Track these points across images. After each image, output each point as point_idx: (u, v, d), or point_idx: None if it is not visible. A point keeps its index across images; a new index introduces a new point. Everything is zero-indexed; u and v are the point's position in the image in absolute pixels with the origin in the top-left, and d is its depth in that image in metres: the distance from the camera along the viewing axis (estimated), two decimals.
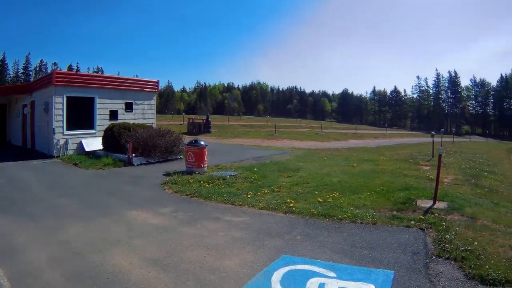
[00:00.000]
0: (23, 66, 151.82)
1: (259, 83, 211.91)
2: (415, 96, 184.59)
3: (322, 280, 6.49)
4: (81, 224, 9.49)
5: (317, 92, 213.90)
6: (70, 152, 22.90)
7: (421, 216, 10.17)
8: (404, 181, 15.45)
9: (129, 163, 19.30)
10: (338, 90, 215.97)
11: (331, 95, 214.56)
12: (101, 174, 17.15)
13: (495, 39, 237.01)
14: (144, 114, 27.52)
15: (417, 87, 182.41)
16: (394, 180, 15.78)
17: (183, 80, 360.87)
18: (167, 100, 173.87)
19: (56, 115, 22.53)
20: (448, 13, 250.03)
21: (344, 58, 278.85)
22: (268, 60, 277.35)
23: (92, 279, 6.34)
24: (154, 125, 26.48)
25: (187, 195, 12.96)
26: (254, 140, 42.18)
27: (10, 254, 7.46)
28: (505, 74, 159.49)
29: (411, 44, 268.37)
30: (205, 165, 17.47)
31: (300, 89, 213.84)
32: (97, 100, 24.47)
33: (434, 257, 7.50)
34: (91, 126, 24.32)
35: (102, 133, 23.11)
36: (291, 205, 11.36)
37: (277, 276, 6.58)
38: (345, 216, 10.24)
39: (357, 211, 10.76)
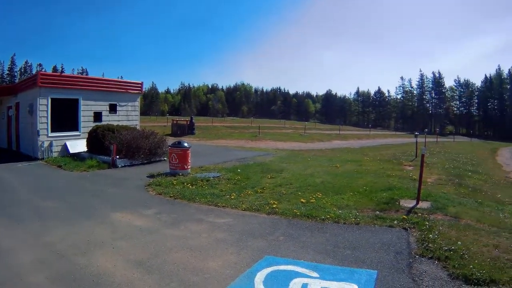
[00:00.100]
0: (8, 67, 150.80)
1: (243, 84, 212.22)
2: (399, 96, 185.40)
3: (305, 280, 6.54)
4: (65, 226, 9.47)
5: (301, 93, 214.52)
6: (55, 154, 22.79)
7: (404, 216, 10.26)
8: (387, 181, 15.56)
9: (113, 165, 19.26)
10: (322, 91, 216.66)
11: (314, 96, 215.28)
12: (86, 176, 17.08)
13: (479, 40, 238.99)
14: (128, 115, 27.42)
15: (401, 88, 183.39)
16: (377, 180, 15.89)
17: (168, 82, 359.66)
18: (151, 102, 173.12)
19: (41, 117, 22.37)
20: (432, 14, 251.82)
21: (327, 59, 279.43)
22: (252, 61, 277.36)
23: (77, 282, 6.35)
24: (138, 127, 26.44)
25: (170, 196, 12.98)
26: (238, 141, 42.18)
27: None
28: (490, 74, 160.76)
29: (395, 45, 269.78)
30: (189, 167, 17.52)
31: (284, 90, 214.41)
32: (82, 102, 24.30)
33: (417, 256, 7.57)
34: (76, 128, 24.19)
35: (86, 135, 22.96)
36: (274, 206, 11.42)
37: (260, 276, 6.62)
38: (328, 216, 10.31)
39: (340, 211, 10.84)
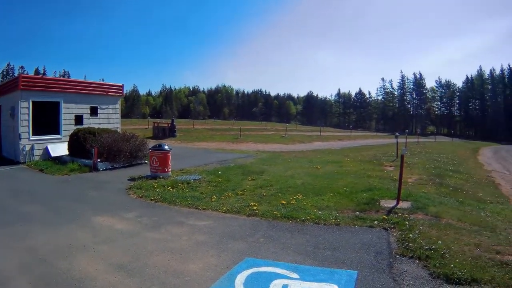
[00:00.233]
0: None
1: (224, 86, 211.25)
2: (380, 98, 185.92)
3: (285, 281, 6.60)
4: (47, 230, 9.47)
5: (282, 95, 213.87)
6: (36, 158, 22.60)
7: (385, 216, 10.39)
8: (367, 182, 15.73)
9: (94, 168, 19.19)
10: (303, 93, 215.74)
11: (296, 97, 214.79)
12: (67, 180, 17.02)
13: (460, 41, 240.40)
14: (109, 118, 27.29)
15: (382, 89, 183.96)
16: (358, 181, 16.03)
17: (149, 84, 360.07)
18: (132, 104, 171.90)
19: (22, 120, 22.17)
20: (413, 15, 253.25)
21: (309, 61, 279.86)
22: (233, 63, 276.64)
23: (59, 286, 6.39)
24: (119, 130, 26.30)
25: (151, 199, 13.02)
26: (219, 144, 42.04)
27: None
28: (471, 75, 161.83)
29: (376, 46, 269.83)
30: (170, 170, 17.55)
31: (265, 92, 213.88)
32: (63, 105, 24.13)
33: (397, 256, 7.66)
34: (57, 131, 23.99)
35: (67, 138, 22.81)
36: (255, 208, 11.51)
37: (240, 278, 6.67)
38: (308, 217, 10.41)
39: (320, 212, 10.96)
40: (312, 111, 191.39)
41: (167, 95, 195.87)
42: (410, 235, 8.70)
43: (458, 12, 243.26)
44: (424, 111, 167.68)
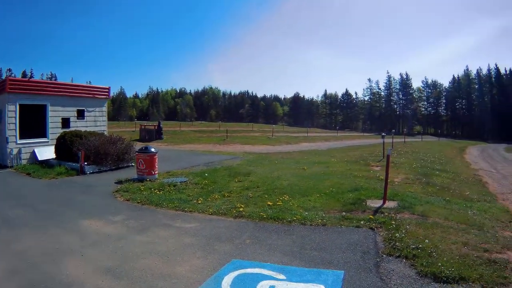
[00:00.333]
0: None
1: (211, 88, 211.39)
2: (366, 98, 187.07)
3: (272, 282, 6.63)
4: (35, 234, 9.45)
5: (268, 96, 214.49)
6: (24, 162, 22.46)
7: (371, 216, 10.43)
8: (354, 182, 15.76)
9: (81, 171, 19.16)
10: (289, 94, 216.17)
11: (282, 99, 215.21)
12: (54, 184, 16.96)
13: (447, 42, 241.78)
14: (96, 121, 27.18)
15: (369, 90, 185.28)
16: (344, 181, 16.03)
17: (136, 86, 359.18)
18: (119, 107, 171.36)
19: (9, 123, 22.03)
20: (399, 16, 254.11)
21: (296, 62, 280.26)
22: (220, 64, 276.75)
23: None
24: (106, 133, 26.22)
25: (138, 202, 13.03)
26: (206, 146, 42.02)
27: None
28: (458, 75, 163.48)
29: (362, 47, 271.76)
30: (156, 172, 17.55)
31: (252, 94, 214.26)
32: (50, 108, 24.00)
33: (384, 255, 7.70)
34: (44, 135, 23.86)
35: (55, 142, 22.67)
36: (241, 209, 11.54)
37: (227, 280, 6.70)
38: (295, 218, 10.44)
39: (307, 213, 10.98)
40: (299, 112, 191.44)
41: (154, 97, 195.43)
42: (397, 234, 8.73)
43: (445, 13, 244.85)
44: (410, 111, 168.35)
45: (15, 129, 22.31)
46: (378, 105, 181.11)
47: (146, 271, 7.16)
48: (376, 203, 11.92)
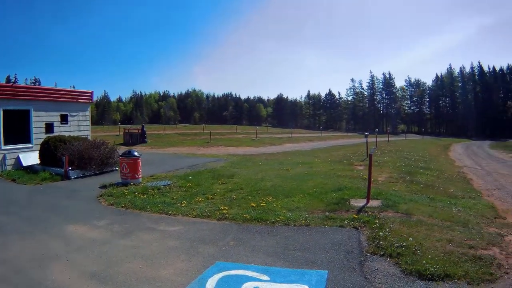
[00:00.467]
0: None
1: (194, 90, 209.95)
2: (349, 98, 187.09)
3: (256, 284, 6.69)
4: (20, 240, 9.44)
5: (252, 98, 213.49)
6: (8, 168, 22.24)
7: (355, 215, 10.50)
8: (337, 182, 15.93)
9: (66, 176, 19.08)
10: (273, 95, 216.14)
11: (266, 100, 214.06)
12: (39, 189, 16.86)
13: (429, 40, 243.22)
14: (80, 126, 27.07)
15: (352, 90, 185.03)
16: (328, 181, 16.20)
17: (120, 90, 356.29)
18: (103, 111, 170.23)
19: None
20: (382, 15, 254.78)
21: (278, 63, 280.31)
22: (203, 66, 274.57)
23: None
24: (89, 137, 26.07)
25: (122, 206, 13.02)
26: (190, 148, 41.91)
27: None
28: (441, 73, 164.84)
29: (345, 47, 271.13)
30: (140, 176, 17.56)
31: (236, 96, 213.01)
32: (33, 113, 23.79)
33: (368, 254, 7.80)
34: (28, 140, 23.65)
35: (39, 147, 22.49)
36: (225, 211, 11.60)
37: (211, 282, 6.74)
38: (278, 219, 10.51)
39: (290, 214, 11.06)
40: (283, 113, 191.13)
41: (138, 101, 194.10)
42: (381, 233, 8.83)
43: (427, 12, 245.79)
44: (394, 110, 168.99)
45: (0, 135, 22.10)
46: (361, 104, 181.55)
47: (130, 275, 7.18)
48: (359, 203, 12.03)
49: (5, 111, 22.28)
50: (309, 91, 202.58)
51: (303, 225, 10.07)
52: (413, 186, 16.35)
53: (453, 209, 11.73)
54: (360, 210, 11.22)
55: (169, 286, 6.76)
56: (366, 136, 32.99)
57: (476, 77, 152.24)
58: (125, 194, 14.85)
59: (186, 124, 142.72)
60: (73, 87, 44.47)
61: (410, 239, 8.25)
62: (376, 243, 8.33)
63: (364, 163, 22.93)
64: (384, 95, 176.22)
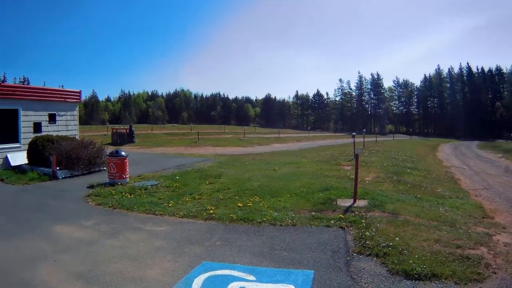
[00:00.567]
0: None
1: (182, 90, 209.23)
2: (338, 98, 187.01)
3: (242, 284, 6.75)
4: (8, 241, 9.43)
5: (240, 98, 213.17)
6: None
7: (341, 215, 10.58)
8: (324, 182, 16.01)
9: (53, 176, 19.02)
10: (261, 95, 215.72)
11: (254, 100, 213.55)
12: (27, 189, 16.80)
13: (418, 41, 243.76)
14: (68, 125, 26.99)
15: (340, 90, 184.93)
16: (315, 181, 16.29)
17: (108, 89, 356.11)
18: (92, 110, 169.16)
19: None
20: (370, 15, 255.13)
21: (267, 63, 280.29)
22: (191, 66, 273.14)
23: None
24: (77, 137, 26.00)
25: (109, 206, 13.02)
26: (177, 148, 41.84)
27: None
28: (429, 74, 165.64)
29: (333, 47, 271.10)
30: (127, 176, 17.57)
31: (224, 96, 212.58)
32: (22, 112, 23.68)
33: (355, 254, 7.89)
34: (16, 140, 23.51)
35: (27, 147, 22.38)
36: (211, 211, 11.66)
37: (197, 282, 6.78)
38: (265, 219, 10.60)
39: (277, 213, 11.15)
40: (271, 113, 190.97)
41: (126, 101, 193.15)
42: (367, 233, 8.92)
43: (415, 13, 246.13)
44: (382, 111, 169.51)
45: None
46: (349, 105, 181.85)
47: (117, 275, 7.21)
48: (346, 202, 12.14)
49: None
50: (297, 91, 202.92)
51: (290, 225, 10.15)
52: (400, 186, 16.46)
53: (441, 209, 11.88)
54: (347, 210, 11.30)
55: (155, 286, 6.80)
56: (353, 136, 33.13)
57: (465, 77, 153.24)
58: (112, 194, 14.86)
59: (174, 124, 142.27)
60: (62, 86, 44.36)
61: (397, 238, 8.34)
62: (362, 243, 8.41)
63: (352, 163, 22.94)
64: (372, 96, 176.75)
